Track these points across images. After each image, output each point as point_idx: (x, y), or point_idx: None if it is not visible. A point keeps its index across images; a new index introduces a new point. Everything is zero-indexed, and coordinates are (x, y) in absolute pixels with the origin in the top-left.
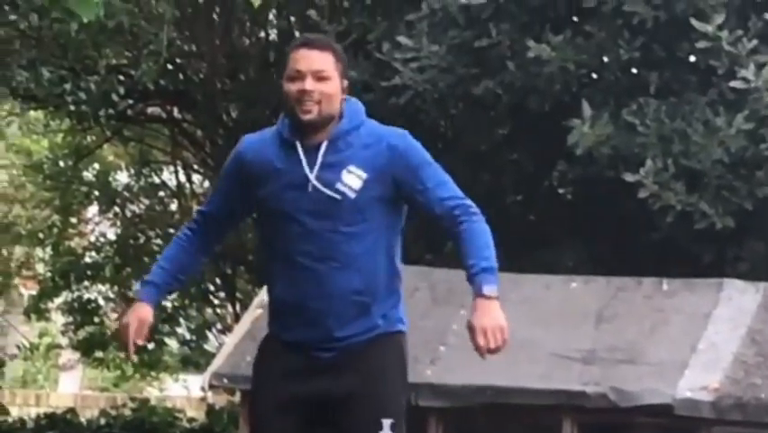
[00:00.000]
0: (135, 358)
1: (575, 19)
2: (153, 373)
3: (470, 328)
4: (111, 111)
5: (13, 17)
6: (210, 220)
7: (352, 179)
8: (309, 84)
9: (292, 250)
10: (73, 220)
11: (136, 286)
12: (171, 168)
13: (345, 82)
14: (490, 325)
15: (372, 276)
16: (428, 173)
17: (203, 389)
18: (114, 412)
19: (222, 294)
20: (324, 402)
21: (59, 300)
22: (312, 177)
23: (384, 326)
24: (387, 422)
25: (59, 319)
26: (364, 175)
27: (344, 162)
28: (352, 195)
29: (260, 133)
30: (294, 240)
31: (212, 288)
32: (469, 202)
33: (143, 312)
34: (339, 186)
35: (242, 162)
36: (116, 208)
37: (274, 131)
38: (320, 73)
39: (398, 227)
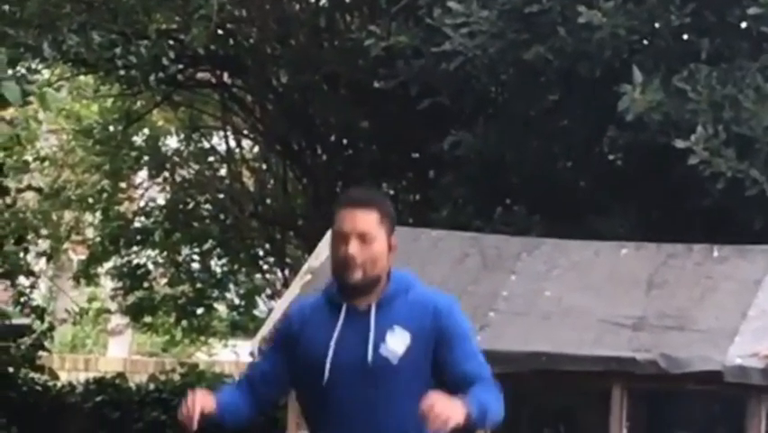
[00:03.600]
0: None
1: None
2: (202, 339)
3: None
4: (161, 76)
5: None
6: (255, 384)
7: (397, 343)
8: (353, 247)
9: (328, 412)
10: (123, 185)
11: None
12: (221, 133)
13: (394, 239)
14: (443, 406)
15: (409, 425)
16: (463, 347)
17: (252, 354)
18: (162, 377)
19: (271, 259)
20: None
21: (108, 265)
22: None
23: None
24: None
25: (108, 284)
26: (408, 338)
27: (388, 326)
28: (395, 361)
29: (314, 297)
30: (331, 403)
31: (261, 253)
32: (489, 377)
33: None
34: (382, 351)
35: (290, 326)
36: (166, 173)
37: (323, 295)
38: (365, 235)
39: (430, 376)
